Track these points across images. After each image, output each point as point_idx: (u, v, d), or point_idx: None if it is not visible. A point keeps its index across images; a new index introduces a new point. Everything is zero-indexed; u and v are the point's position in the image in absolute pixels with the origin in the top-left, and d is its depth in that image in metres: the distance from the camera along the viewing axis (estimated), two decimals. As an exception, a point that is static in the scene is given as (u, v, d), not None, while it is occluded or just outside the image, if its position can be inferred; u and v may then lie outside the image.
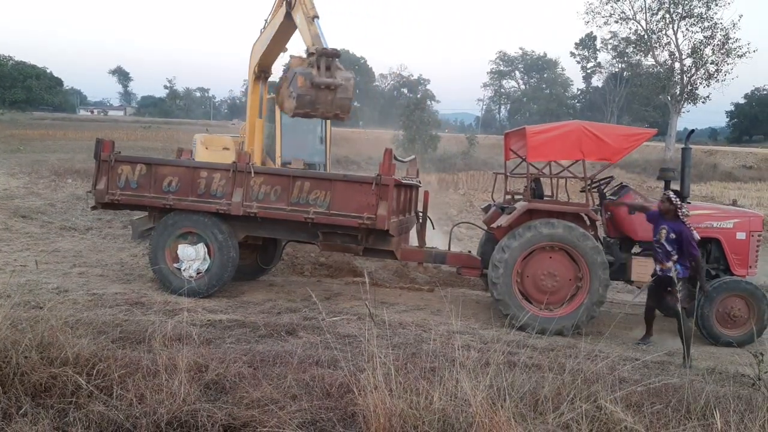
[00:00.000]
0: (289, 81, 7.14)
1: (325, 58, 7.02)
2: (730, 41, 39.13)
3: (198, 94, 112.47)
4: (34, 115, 63.41)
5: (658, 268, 6.87)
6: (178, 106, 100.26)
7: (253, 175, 7.72)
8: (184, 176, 7.86)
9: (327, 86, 6.98)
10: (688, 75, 40.59)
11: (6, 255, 9.43)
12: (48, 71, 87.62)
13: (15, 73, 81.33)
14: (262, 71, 9.63)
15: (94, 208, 8.46)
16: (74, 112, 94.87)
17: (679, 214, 6.64)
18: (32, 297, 6.69)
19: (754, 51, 38.98)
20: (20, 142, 27.83)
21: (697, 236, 6.80)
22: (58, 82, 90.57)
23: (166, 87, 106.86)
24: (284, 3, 8.11)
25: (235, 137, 11.79)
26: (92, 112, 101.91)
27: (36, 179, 16.57)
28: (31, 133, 35.39)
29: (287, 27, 8.27)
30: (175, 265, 7.96)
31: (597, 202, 8.35)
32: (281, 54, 9.13)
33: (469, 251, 8.83)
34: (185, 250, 7.92)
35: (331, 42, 7.31)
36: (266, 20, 9.01)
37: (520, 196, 8.42)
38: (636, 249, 8.11)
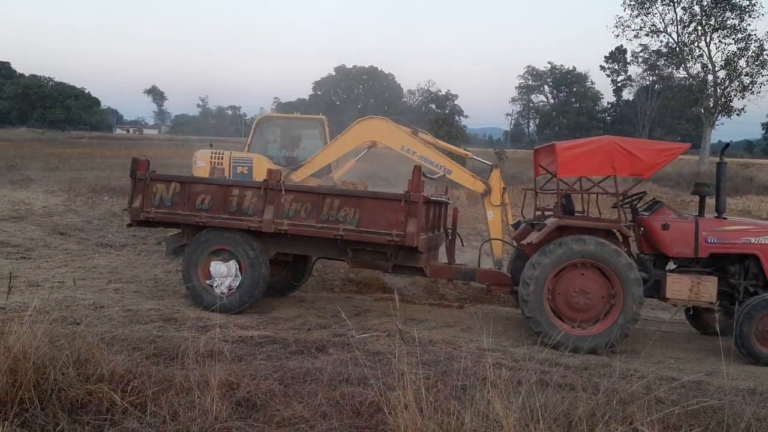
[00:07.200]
0: None
1: None
2: (765, 52, 38.37)
3: (229, 112, 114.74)
4: (72, 134, 65.34)
5: None
6: (211, 123, 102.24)
7: (284, 192, 7.81)
8: (216, 194, 7.98)
9: None
10: (722, 87, 39.78)
11: (45, 271, 9.69)
12: (86, 91, 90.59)
13: (55, 94, 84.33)
14: (373, 141, 10.53)
15: (129, 225, 8.63)
16: (111, 131, 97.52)
17: None
18: (69, 313, 6.86)
19: (790, 62, 38.16)
20: (59, 161, 28.70)
21: None
22: (96, 102, 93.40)
23: (199, 105, 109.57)
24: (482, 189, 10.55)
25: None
26: (128, 130, 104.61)
27: (74, 197, 17.06)
28: (69, 151, 36.46)
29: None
30: (208, 281, 8.07)
31: (629, 217, 8.21)
32: None
33: (499, 268, 8.75)
34: (217, 267, 8.03)
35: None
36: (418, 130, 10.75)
37: (551, 212, 8.34)
38: (670, 265, 7.94)
